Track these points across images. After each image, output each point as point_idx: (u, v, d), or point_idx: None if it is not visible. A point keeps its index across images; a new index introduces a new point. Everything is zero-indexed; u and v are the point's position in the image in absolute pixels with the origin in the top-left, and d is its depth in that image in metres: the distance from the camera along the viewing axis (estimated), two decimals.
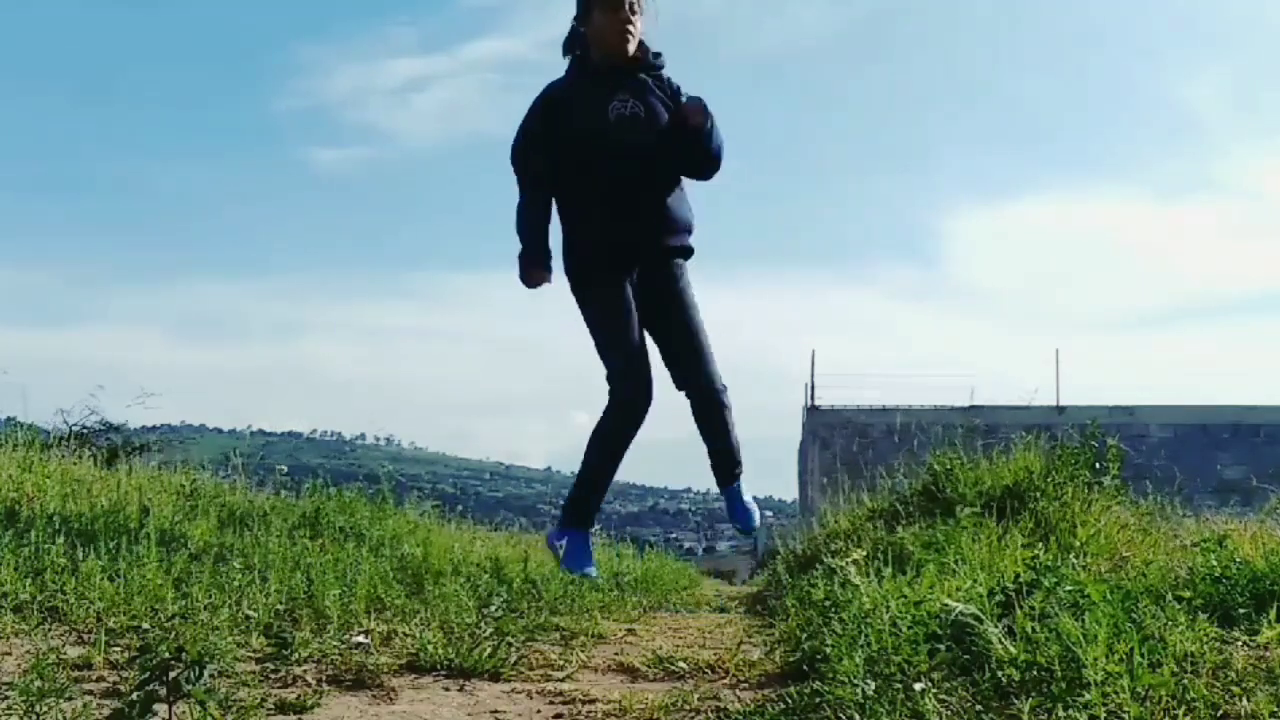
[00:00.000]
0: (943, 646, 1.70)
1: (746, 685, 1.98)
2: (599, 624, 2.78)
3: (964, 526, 3.23)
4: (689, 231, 3.37)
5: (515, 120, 3.34)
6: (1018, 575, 1.91)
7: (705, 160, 3.29)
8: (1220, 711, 1.39)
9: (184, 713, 1.42)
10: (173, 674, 1.37)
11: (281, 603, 2.52)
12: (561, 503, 3.44)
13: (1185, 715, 1.36)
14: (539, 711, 1.75)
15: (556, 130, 3.28)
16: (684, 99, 3.26)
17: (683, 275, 3.37)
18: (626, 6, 3.20)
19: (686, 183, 3.40)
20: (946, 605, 1.82)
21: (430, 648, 2.08)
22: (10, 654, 1.94)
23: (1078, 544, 3.17)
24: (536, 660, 2.15)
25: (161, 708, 1.37)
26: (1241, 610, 1.99)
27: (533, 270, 3.28)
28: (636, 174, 3.26)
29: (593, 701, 1.80)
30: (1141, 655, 1.47)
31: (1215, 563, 2.28)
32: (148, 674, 1.38)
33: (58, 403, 6.14)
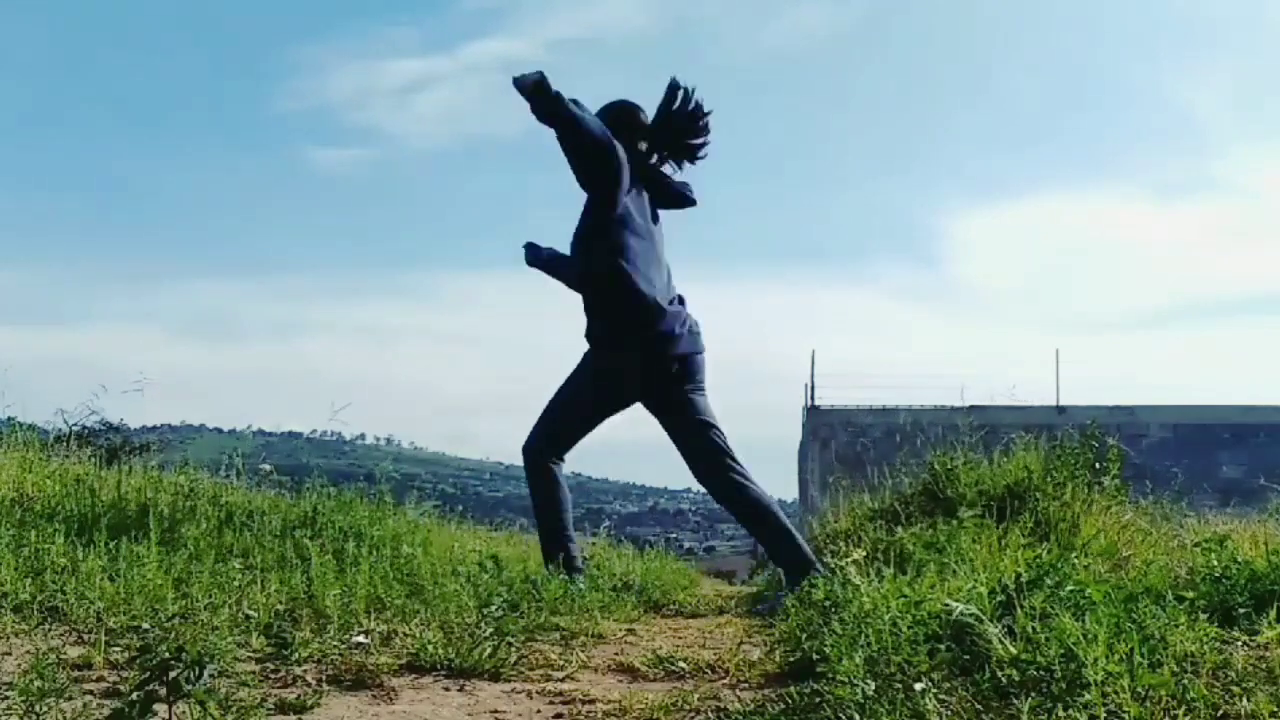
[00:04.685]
0: (943, 646, 1.70)
1: (746, 685, 1.98)
2: (599, 624, 2.78)
3: (964, 527, 3.23)
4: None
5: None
6: (1018, 575, 1.91)
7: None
8: (1220, 711, 1.39)
9: (184, 713, 1.42)
10: (173, 674, 1.37)
11: (281, 603, 2.52)
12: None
13: (1185, 715, 1.36)
14: (539, 711, 1.75)
15: None
16: None
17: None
18: None
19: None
20: (947, 605, 1.82)
21: (430, 648, 2.08)
22: (10, 654, 1.94)
23: (1078, 544, 3.17)
24: (536, 660, 2.15)
25: (161, 708, 1.37)
26: (1241, 610, 1.99)
27: None
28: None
29: (593, 701, 1.80)
30: (1142, 655, 1.47)
31: (1215, 563, 2.28)
32: (148, 674, 1.38)
33: (58, 403, 6.13)
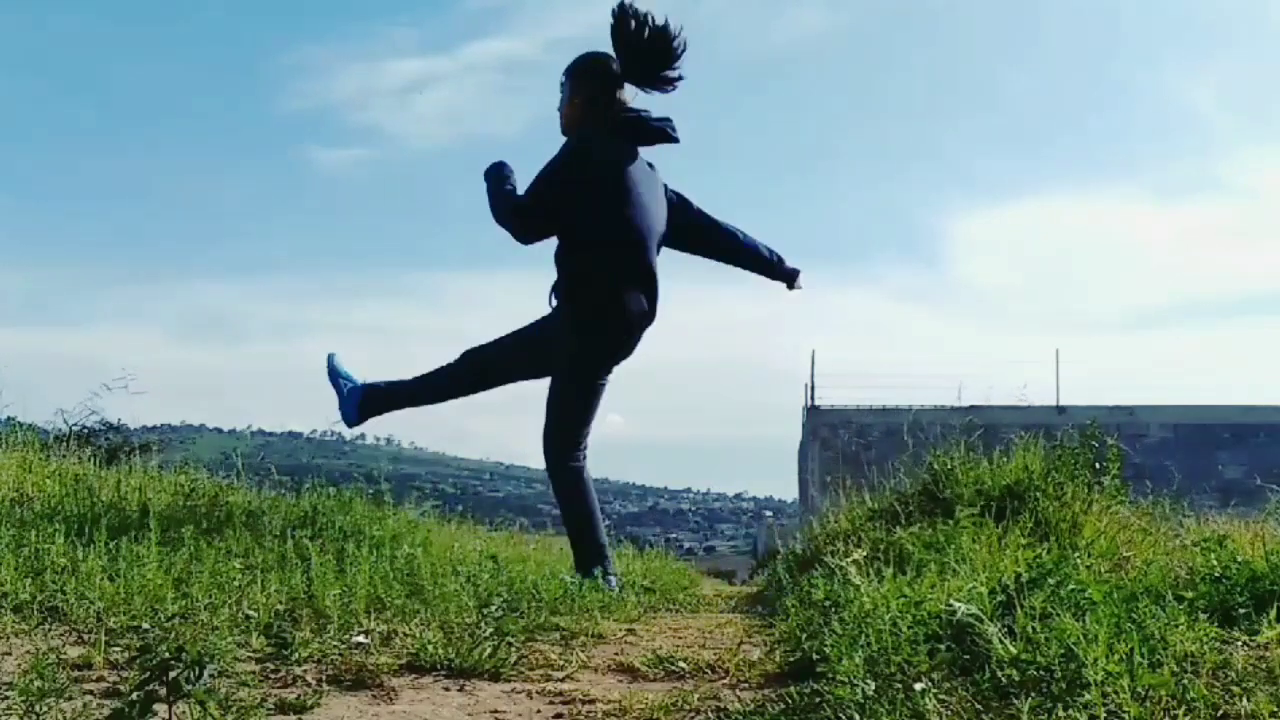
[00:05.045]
0: (943, 646, 1.70)
1: (746, 685, 1.98)
2: (599, 624, 2.78)
3: (964, 526, 3.23)
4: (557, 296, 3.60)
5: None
6: (1018, 575, 1.91)
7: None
8: (1220, 711, 1.39)
9: (184, 713, 1.42)
10: (173, 674, 1.37)
11: (281, 603, 2.52)
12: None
13: (1185, 715, 1.36)
14: (539, 711, 1.75)
15: None
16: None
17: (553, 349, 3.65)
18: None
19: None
20: (947, 605, 1.82)
21: (430, 648, 2.08)
22: (10, 654, 1.94)
23: (1078, 544, 3.17)
24: (536, 660, 2.15)
25: (161, 708, 1.37)
26: (1241, 610, 1.99)
27: None
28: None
29: (593, 701, 1.80)
30: (1142, 655, 1.47)
31: (1215, 563, 2.28)
32: (148, 674, 1.38)
33: (58, 403, 6.13)
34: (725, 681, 2.01)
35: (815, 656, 1.90)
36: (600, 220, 3.48)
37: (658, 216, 3.62)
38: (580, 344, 3.53)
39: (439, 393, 3.75)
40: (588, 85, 3.58)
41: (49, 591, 2.40)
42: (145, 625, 2.10)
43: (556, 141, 3.69)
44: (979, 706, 1.45)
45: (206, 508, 3.61)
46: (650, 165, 3.66)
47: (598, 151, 3.51)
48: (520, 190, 3.56)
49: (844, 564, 2.39)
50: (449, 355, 3.68)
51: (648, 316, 3.58)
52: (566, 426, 3.62)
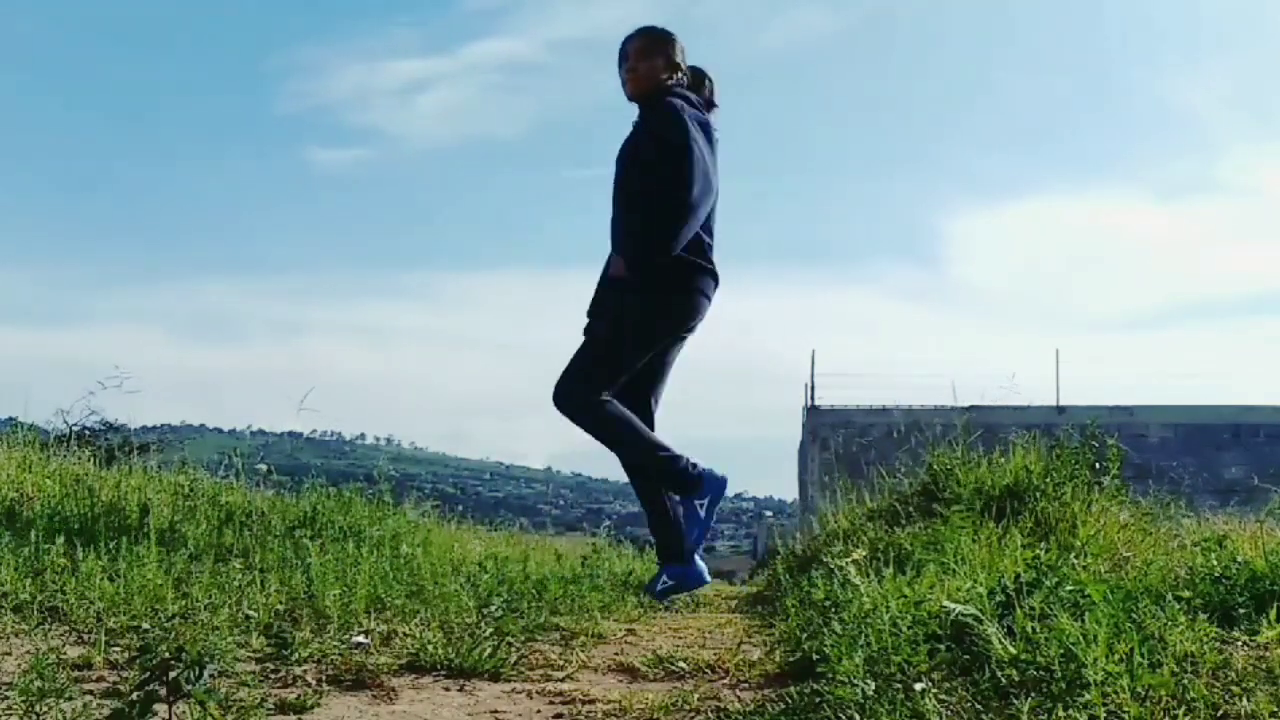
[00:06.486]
0: (943, 646, 1.71)
1: (746, 685, 1.98)
2: (599, 624, 2.78)
3: (959, 526, 3.22)
4: (631, 259, 3.35)
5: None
6: (1018, 575, 1.91)
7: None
8: (1220, 711, 1.39)
9: (184, 713, 1.42)
10: (173, 674, 1.37)
11: (281, 603, 2.52)
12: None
13: (1185, 715, 1.36)
14: (539, 711, 1.75)
15: None
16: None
17: (610, 303, 3.41)
18: (619, 61, 3.54)
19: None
20: (946, 605, 1.82)
21: (430, 648, 2.08)
22: (10, 654, 1.94)
23: (1078, 544, 3.17)
24: (536, 660, 2.15)
25: (161, 708, 1.37)
26: (1241, 610, 1.99)
27: None
28: (614, 204, 3.50)
29: (593, 701, 1.80)
30: (1141, 655, 1.47)
31: (1215, 563, 2.28)
32: (148, 674, 1.38)
33: (58, 403, 6.13)
34: (725, 681, 2.01)
35: (815, 656, 1.90)
36: None
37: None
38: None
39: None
40: (675, 51, 3.55)
41: (49, 591, 2.40)
42: (145, 625, 2.10)
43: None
44: (979, 706, 1.45)
45: (206, 508, 3.61)
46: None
47: None
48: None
49: (844, 564, 2.39)
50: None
51: None
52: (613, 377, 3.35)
